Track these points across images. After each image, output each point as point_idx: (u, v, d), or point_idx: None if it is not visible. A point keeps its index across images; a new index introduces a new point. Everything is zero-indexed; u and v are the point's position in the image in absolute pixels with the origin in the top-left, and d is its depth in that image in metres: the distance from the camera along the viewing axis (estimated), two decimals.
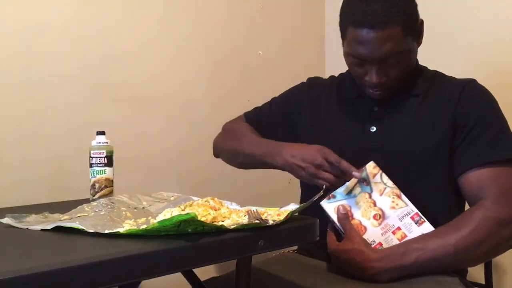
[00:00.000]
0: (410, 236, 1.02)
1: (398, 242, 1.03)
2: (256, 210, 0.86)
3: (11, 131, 1.31)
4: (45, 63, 1.37)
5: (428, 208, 1.06)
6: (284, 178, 1.49)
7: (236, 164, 1.31)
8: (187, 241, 0.70)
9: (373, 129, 1.14)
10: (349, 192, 1.07)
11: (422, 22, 1.11)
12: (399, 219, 1.04)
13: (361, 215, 1.05)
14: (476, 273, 1.24)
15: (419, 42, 1.12)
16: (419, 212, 1.03)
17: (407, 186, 1.06)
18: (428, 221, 1.03)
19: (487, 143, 1.05)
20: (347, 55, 1.11)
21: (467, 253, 1.00)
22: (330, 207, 1.07)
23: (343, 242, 1.03)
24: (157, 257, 0.66)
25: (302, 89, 1.31)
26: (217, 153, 1.38)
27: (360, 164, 1.06)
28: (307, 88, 1.30)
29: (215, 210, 0.84)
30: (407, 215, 1.04)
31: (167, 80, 1.63)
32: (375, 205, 1.05)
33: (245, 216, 0.83)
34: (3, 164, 1.30)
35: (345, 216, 1.04)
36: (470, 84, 1.12)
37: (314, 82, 1.32)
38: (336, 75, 1.31)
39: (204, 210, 0.81)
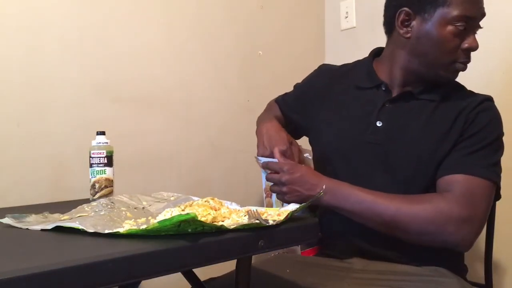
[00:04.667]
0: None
1: None
2: (256, 210, 0.86)
3: (11, 131, 1.31)
4: (45, 63, 1.37)
5: None
6: None
7: None
8: (187, 241, 0.70)
9: (379, 123, 1.14)
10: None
11: None
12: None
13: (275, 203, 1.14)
14: (476, 273, 1.24)
15: None
16: None
17: (395, 184, 1.08)
18: None
19: (475, 157, 1.05)
20: (451, 21, 1.05)
21: (404, 224, 1.02)
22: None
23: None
24: (157, 257, 0.66)
25: (315, 76, 1.35)
26: None
27: (359, 153, 1.11)
28: (319, 75, 1.34)
29: (215, 210, 0.84)
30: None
31: (167, 80, 1.63)
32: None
33: (245, 216, 0.83)
34: (3, 164, 1.30)
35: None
36: (486, 102, 1.10)
37: (324, 69, 1.36)
38: None
39: (204, 210, 0.81)
